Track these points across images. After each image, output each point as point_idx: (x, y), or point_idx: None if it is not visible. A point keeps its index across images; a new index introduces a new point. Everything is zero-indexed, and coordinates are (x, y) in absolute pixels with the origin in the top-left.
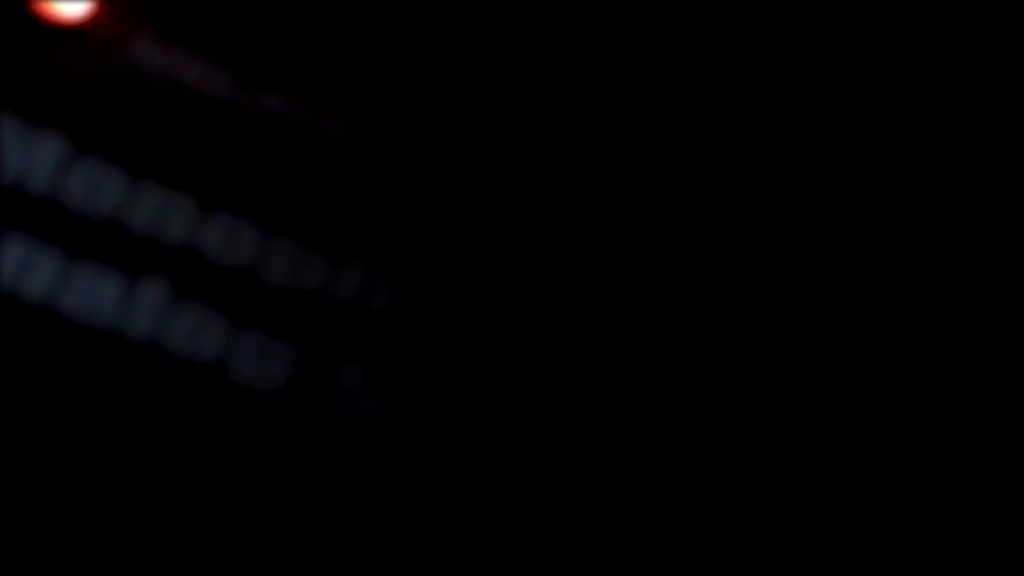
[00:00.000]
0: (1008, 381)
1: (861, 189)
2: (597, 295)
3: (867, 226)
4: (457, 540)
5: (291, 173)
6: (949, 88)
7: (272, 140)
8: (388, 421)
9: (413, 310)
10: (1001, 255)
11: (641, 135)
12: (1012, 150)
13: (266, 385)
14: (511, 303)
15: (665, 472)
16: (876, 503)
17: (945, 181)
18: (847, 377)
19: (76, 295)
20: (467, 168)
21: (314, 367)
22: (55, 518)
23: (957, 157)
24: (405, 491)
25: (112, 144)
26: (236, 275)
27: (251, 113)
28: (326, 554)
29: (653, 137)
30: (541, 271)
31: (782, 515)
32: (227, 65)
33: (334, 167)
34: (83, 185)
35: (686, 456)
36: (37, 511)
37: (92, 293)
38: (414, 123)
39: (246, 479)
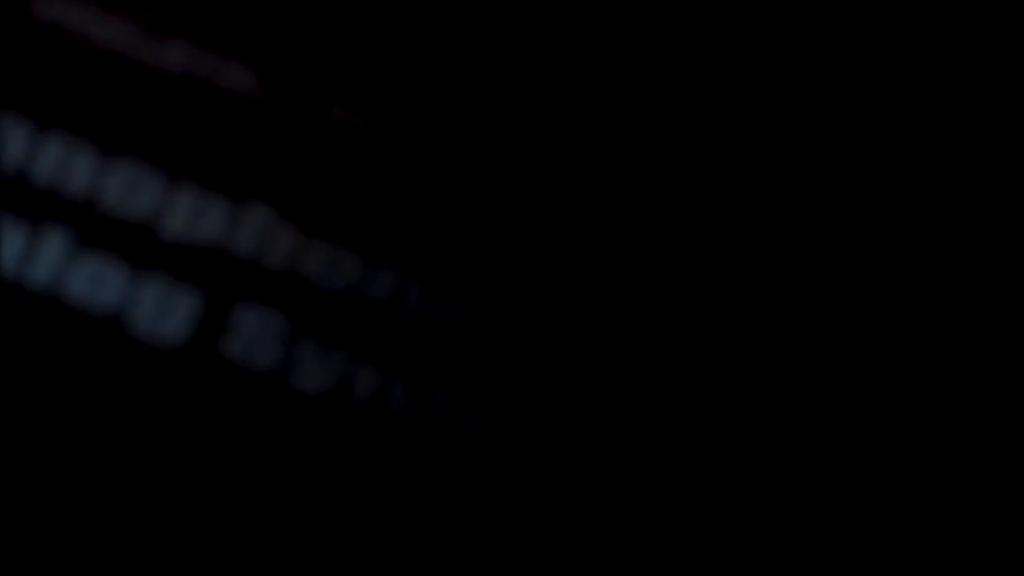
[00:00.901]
0: (1008, 381)
1: (862, 189)
2: (534, 259)
3: (868, 225)
4: (354, 492)
5: (195, 123)
6: (949, 88)
7: (177, 91)
8: (288, 372)
9: (316, 258)
10: (1001, 255)
11: (631, 123)
12: (1012, 150)
13: (166, 334)
14: (413, 247)
15: (661, 468)
16: (876, 503)
17: (945, 181)
18: (855, 374)
19: None
20: (369, 114)
21: (215, 317)
22: None
23: (957, 157)
24: (303, 444)
25: (17, 97)
26: (137, 224)
27: (156, 64)
28: (221, 510)
29: (651, 133)
30: (454, 214)
31: (783, 514)
32: (132, 18)
33: (238, 116)
34: None
35: (690, 451)
36: None
37: None
38: (322, 71)
39: (144, 427)
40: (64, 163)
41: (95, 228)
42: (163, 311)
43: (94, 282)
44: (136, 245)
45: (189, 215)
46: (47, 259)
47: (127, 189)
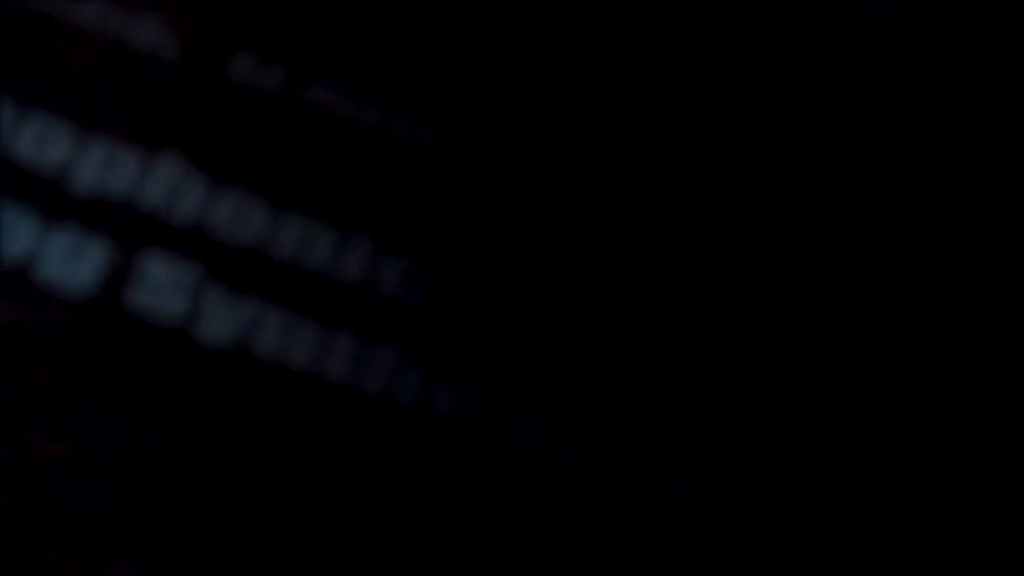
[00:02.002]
0: (1008, 381)
1: (862, 189)
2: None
3: (867, 225)
4: (262, 443)
5: (108, 77)
6: (949, 90)
7: (91, 45)
8: (196, 323)
9: (226, 209)
10: (1001, 255)
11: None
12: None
13: (74, 283)
14: (315, 200)
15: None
16: (876, 502)
17: (945, 181)
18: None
19: None
20: (280, 64)
21: (123, 266)
22: None
23: (957, 157)
24: (210, 393)
25: None
26: (49, 177)
27: (73, 22)
28: (142, 457)
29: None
30: (365, 161)
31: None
32: None
33: (149, 68)
34: None
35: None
36: None
37: None
38: (234, 20)
39: (55, 376)
40: None
41: (7, 180)
42: (72, 262)
43: (4, 233)
44: (47, 196)
45: (100, 167)
46: None
47: (39, 141)
